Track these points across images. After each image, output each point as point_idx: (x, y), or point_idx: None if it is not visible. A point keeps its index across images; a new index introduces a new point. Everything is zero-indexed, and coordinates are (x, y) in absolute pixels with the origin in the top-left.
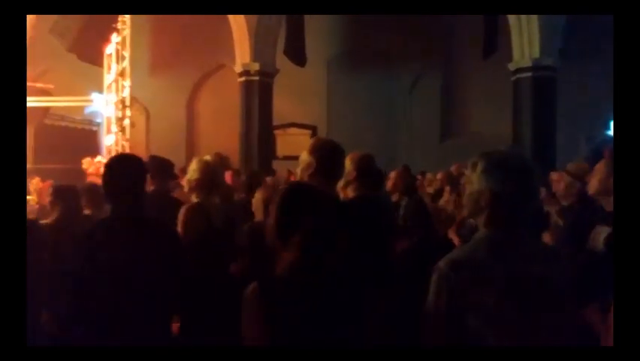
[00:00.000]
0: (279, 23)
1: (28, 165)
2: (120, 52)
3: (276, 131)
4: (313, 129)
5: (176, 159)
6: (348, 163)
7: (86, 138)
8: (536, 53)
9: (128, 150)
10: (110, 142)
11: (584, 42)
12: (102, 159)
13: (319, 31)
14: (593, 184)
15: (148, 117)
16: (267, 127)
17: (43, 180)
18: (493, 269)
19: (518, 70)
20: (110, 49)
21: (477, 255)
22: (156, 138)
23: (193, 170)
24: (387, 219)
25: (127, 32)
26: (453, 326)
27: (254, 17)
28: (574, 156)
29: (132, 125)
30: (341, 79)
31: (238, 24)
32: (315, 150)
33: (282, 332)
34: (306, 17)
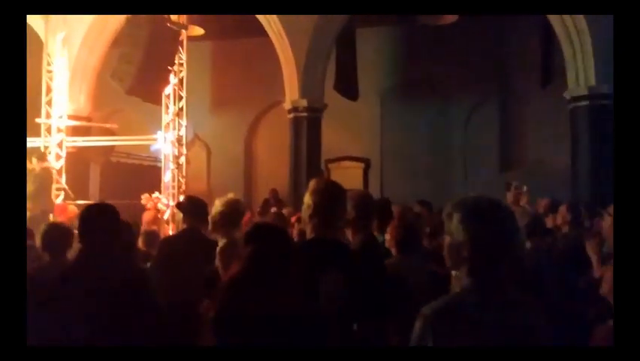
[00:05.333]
0: (327, 58)
1: (92, 201)
2: (177, 92)
3: (330, 165)
4: (366, 162)
5: (235, 193)
6: (349, 203)
7: (152, 174)
8: (592, 81)
9: (184, 187)
10: (168, 179)
11: None
12: (159, 195)
13: (371, 64)
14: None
15: (209, 153)
16: (315, 162)
17: None
18: (481, 319)
19: (574, 98)
20: (168, 90)
21: (464, 305)
22: (216, 173)
23: (216, 208)
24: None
25: (184, 74)
26: None
27: (302, 54)
28: None
29: (187, 162)
30: (394, 111)
31: (287, 61)
32: (313, 193)
33: None
34: (358, 50)
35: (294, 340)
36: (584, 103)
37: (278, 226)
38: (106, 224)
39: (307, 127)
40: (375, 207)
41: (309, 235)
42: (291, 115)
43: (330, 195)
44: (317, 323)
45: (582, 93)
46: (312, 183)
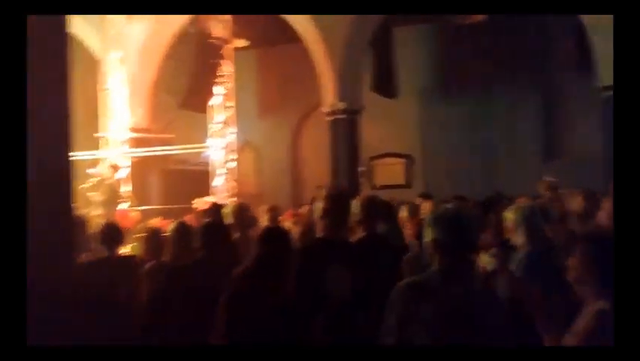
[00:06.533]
0: (363, 60)
1: (152, 206)
2: (224, 103)
3: (374, 162)
4: (408, 158)
5: (283, 194)
6: (356, 205)
7: (206, 180)
8: None
9: (236, 191)
10: (218, 183)
11: None
12: (211, 199)
13: (409, 62)
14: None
15: (258, 157)
16: (353, 162)
17: (164, 219)
18: (439, 295)
19: (605, 88)
20: (213, 100)
21: (429, 282)
22: (265, 176)
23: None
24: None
25: (230, 84)
26: (400, 330)
27: (337, 58)
28: None
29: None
30: (434, 107)
31: (322, 66)
32: (323, 199)
33: None
34: (395, 49)
35: (285, 325)
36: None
37: (282, 230)
38: (226, 235)
39: (345, 129)
40: (380, 208)
41: (318, 234)
42: (330, 118)
43: (336, 201)
44: (306, 314)
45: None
46: (323, 191)
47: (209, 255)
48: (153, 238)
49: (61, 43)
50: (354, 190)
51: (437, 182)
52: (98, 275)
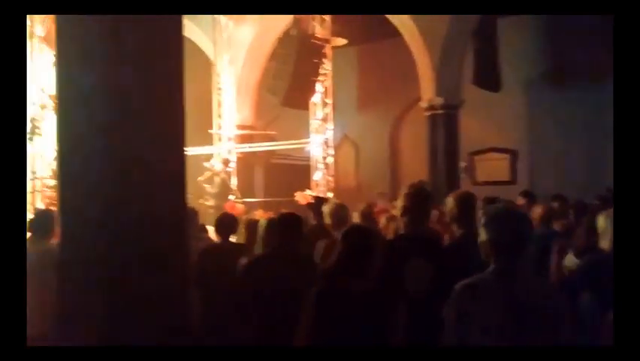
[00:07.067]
0: (463, 55)
1: (256, 199)
2: (324, 99)
3: (476, 157)
4: (513, 153)
5: (380, 189)
6: (451, 201)
7: (306, 174)
8: None
9: (332, 185)
10: (317, 177)
11: None
12: (310, 192)
13: (514, 53)
14: None
15: (357, 151)
16: (452, 158)
17: (266, 211)
18: (494, 293)
19: None
20: (315, 98)
21: (485, 282)
22: (364, 169)
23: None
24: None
25: (328, 83)
26: (459, 331)
27: (436, 53)
28: None
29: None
30: (542, 100)
31: (421, 61)
32: (403, 196)
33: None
34: (499, 40)
35: (366, 315)
36: None
37: (366, 227)
38: (299, 230)
39: (444, 124)
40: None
41: (401, 230)
42: (428, 113)
43: (416, 199)
44: (388, 305)
45: None
46: (404, 188)
47: (281, 248)
48: (251, 230)
49: (177, 46)
50: (452, 186)
51: (544, 177)
52: (212, 260)
